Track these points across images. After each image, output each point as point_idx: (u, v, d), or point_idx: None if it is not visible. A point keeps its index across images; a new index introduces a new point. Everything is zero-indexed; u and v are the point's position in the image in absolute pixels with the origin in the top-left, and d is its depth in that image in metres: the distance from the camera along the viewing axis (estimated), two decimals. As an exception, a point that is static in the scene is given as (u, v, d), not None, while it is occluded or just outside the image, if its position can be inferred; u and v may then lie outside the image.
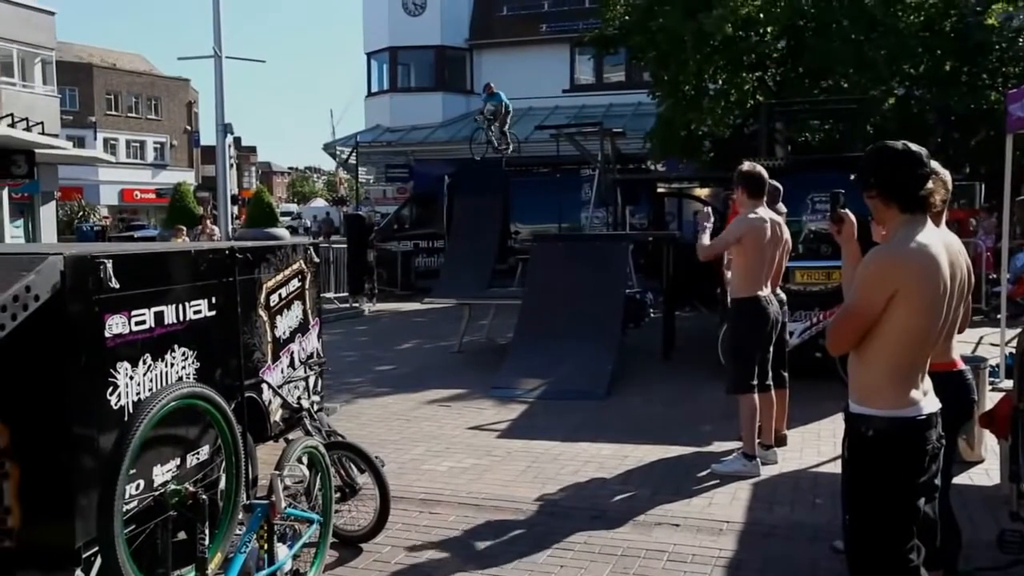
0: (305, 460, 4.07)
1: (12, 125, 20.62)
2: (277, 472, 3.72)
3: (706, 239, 5.89)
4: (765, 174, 5.78)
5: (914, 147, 2.72)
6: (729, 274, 6.32)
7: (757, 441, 5.79)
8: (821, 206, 10.65)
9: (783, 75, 15.69)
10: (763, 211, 5.73)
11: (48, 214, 25.01)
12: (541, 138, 19.92)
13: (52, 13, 28.56)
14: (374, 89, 28.80)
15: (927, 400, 2.75)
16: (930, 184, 2.71)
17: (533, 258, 11.05)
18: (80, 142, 37.47)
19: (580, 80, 27.39)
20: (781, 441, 6.24)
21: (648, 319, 11.26)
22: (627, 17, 16.58)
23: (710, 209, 6.02)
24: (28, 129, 20.98)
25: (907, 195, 2.69)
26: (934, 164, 2.78)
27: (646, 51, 16.03)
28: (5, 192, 21.45)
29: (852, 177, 2.86)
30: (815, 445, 6.42)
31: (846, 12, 14.44)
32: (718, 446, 6.45)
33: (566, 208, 17.57)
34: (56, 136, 24.13)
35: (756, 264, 5.70)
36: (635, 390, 8.63)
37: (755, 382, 5.73)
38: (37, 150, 21.60)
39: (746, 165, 5.84)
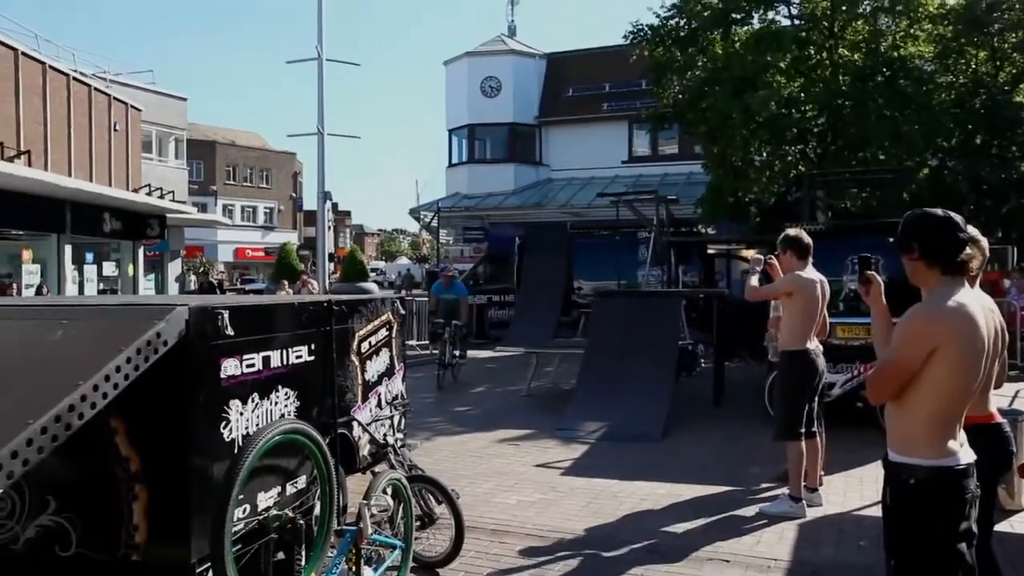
0: (390, 491, 4.08)
1: (149, 194, 21.58)
2: (365, 501, 3.73)
3: (754, 281, 5.78)
4: (809, 238, 5.70)
5: (954, 215, 2.66)
6: (775, 329, 6.20)
7: (803, 484, 5.61)
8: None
9: (823, 148, 15.50)
10: (811, 271, 5.63)
11: (175, 269, 25.92)
12: (601, 204, 19.96)
13: (184, 99, 29.93)
14: (454, 161, 29.28)
15: (964, 451, 2.64)
16: (969, 250, 2.63)
17: (595, 312, 11.01)
18: (203, 207, 38.92)
19: (637, 152, 27.43)
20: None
21: (699, 369, 11.07)
22: (680, 97, 16.64)
23: (761, 256, 5.90)
24: (161, 197, 21.94)
25: (948, 259, 2.62)
26: (972, 231, 2.70)
27: (697, 127, 16.03)
28: (141, 250, 22.37)
29: (893, 239, 2.79)
30: (858, 489, 6.18)
31: (881, 92, 14.24)
32: (766, 488, 6.26)
33: (624, 267, 17.48)
34: (184, 203, 25.13)
35: (806, 319, 5.59)
36: (688, 434, 8.45)
37: (803, 429, 5.57)
38: (168, 215, 22.57)
39: (792, 231, 5.77)
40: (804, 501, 5.56)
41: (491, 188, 26.99)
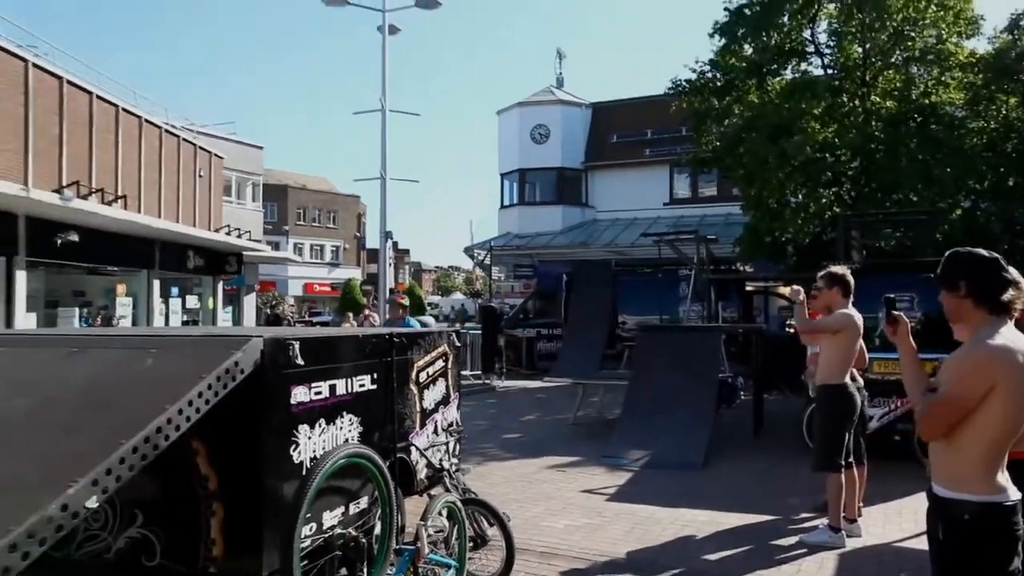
0: (445, 513, 4.07)
1: (228, 233, 22.20)
2: (422, 522, 3.72)
3: (805, 313, 5.55)
4: (851, 277, 5.58)
5: (999, 256, 2.58)
6: (814, 365, 6.04)
7: (842, 515, 5.42)
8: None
9: (857, 190, 15.21)
10: (852, 308, 5.49)
11: (250, 302, 26.49)
12: (644, 243, 19.86)
13: (260, 148, 30.82)
14: (506, 202, 29.48)
15: (1011, 487, 2.53)
16: (1012, 291, 2.54)
17: (638, 345, 10.90)
18: (276, 246, 39.79)
19: (678, 195, 27.26)
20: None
21: (739, 401, 10.85)
22: (718, 143, 16.55)
23: (800, 288, 5.71)
24: (239, 236, 22.55)
25: (995, 299, 2.53)
26: (1014, 272, 2.61)
27: (735, 170, 15.90)
28: (220, 285, 22.95)
29: (936, 276, 2.70)
30: (897, 522, 5.95)
31: (913, 137, 13.96)
32: (805, 517, 6.07)
33: (666, 302, 17.35)
34: (259, 242, 25.75)
35: (848, 354, 5.45)
36: (729, 463, 8.26)
37: (842, 461, 5.40)
38: (245, 252, 23.15)
39: (839, 269, 5.62)
40: (843, 531, 5.37)
41: (540, 228, 27.07)
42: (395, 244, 32.41)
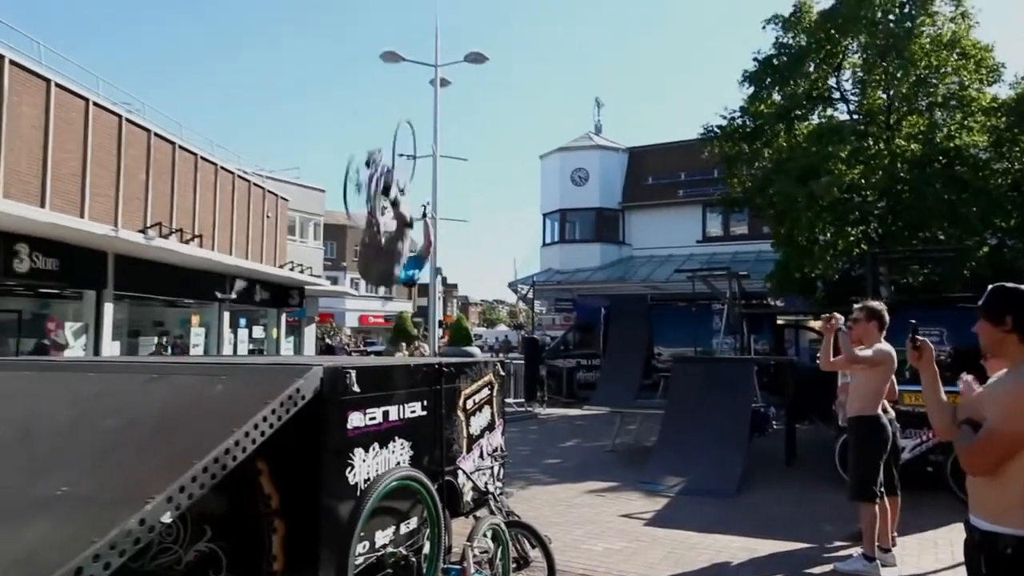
0: (490, 535, 4.02)
1: (291, 269, 22.65)
2: (469, 543, 3.69)
3: (848, 341, 5.32)
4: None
5: None
6: (845, 395, 5.87)
7: (877, 544, 5.21)
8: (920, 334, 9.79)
9: (884, 228, 14.86)
10: (886, 343, 5.34)
11: (310, 333, 26.90)
12: (678, 279, 19.65)
13: (322, 191, 31.53)
14: (547, 240, 29.56)
15: None
16: None
17: (674, 376, 10.73)
18: (335, 281, 40.46)
19: (710, 233, 27.02)
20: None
21: (771, 430, 10.55)
22: (749, 184, 16.39)
23: (841, 316, 5.50)
24: (301, 272, 22.98)
25: None
26: None
27: (765, 210, 15.71)
28: (284, 316, 23.36)
29: (978, 307, 2.57)
30: (932, 552, 5.69)
31: (938, 178, 13.63)
32: (839, 546, 5.85)
33: (700, 335, 17.09)
34: (319, 277, 26.21)
35: (882, 387, 5.28)
36: (762, 491, 8.03)
37: (877, 490, 5.20)
38: (306, 287, 23.55)
39: (878, 304, 5.47)
40: (879, 560, 5.16)
41: (580, 264, 27.04)
42: (444, 279, 32.65)
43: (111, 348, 15.46)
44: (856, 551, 5.39)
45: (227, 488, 2.71)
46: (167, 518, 2.10)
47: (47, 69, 13.79)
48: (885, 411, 5.40)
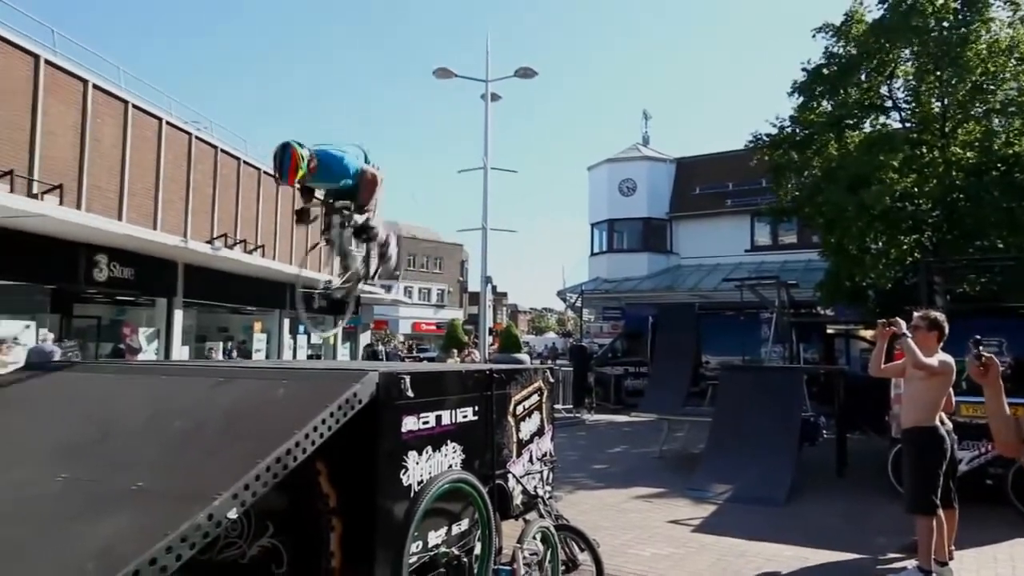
0: (539, 537, 4.01)
1: (348, 278, 23.03)
2: (519, 545, 3.68)
3: (915, 347, 5.03)
4: None
5: None
6: (899, 406, 5.66)
7: (933, 558, 5.00)
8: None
9: (939, 236, 14.31)
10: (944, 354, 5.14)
11: (365, 339, 27.32)
12: (726, 287, 19.31)
13: (376, 202, 32.10)
14: (595, 250, 29.40)
15: None
16: None
17: (722, 384, 10.53)
18: (389, 289, 40.93)
19: (759, 242, 26.47)
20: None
21: (821, 440, 10.26)
22: (798, 193, 16.00)
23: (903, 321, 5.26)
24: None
25: None
26: None
27: (815, 219, 15.29)
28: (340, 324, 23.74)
29: None
30: (992, 566, 5.44)
31: (996, 186, 13.07)
32: (893, 558, 5.64)
33: (748, 344, 16.76)
34: (374, 285, 26.63)
35: (941, 397, 5.09)
36: (813, 500, 7.80)
37: (936, 502, 4.99)
38: (362, 295, 23.91)
39: (940, 315, 5.25)
40: (935, 574, 4.95)
41: (627, 274, 26.82)
42: (494, 288, 32.66)
43: (180, 352, 15.98)
44: (911, 564, 5.19)
45: (288, 487, 2.77)
46: (233, 514, 2.17)
47: (125, 91, 14.41)
48: (942, 422, 5.20)
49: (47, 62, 12.49)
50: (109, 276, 13.63)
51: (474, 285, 41.92)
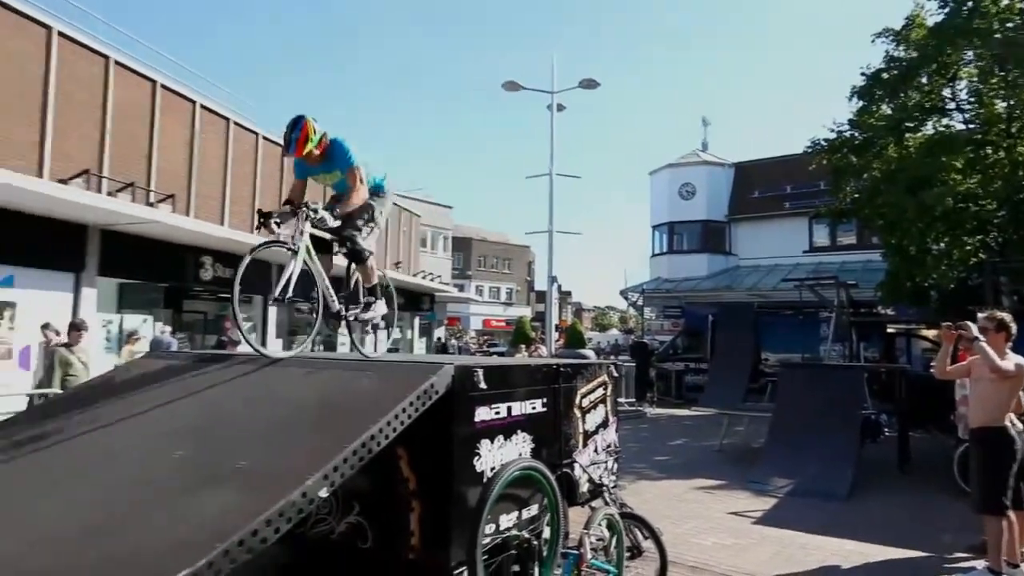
0: (605, 524, 3.95)
1: (423, 278, 23.43)
2: (586, 531, 3.63)
3: (989, 349, 4.73)
4: None
5: None
6: (965, 407, 5.32)
7: (1004, 559, 4.67)
8: None
9: (1005, 236, 13.41)
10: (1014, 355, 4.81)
11: (439, 334, 27.70)
12: (785, 287, 18.63)
13: (450, 207, 32.52)
14: (656, 251, 28.94)
15: None
16: None
17: (782, 380, 10.16)
18: (461, 288, 41.45)
19: (817, 243, 25.48)
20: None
21: (883, 437, 9.79)
22: (857, 195, 15.28)
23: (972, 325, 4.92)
24: (432, 280, 23.71)
25: None
26: None
27: (874, 221, 14.58)
28: (417, 320, 24.17)
29: None
30: (1062, 568, 5.04)
31: (1066, 185, 12.14)
32: (959, 557, 5.30)
33: (807, 342, 16.16)
34: (448, 284, 26.99)
35: (1011, 399, 4.76)
36: (875, 496, 7.43)
37: (1007, 503, 4.67)
38: (436, 293, 24.28)
39: (1007, 316, 4.91)
40: (1005, 575, 4.63)
41: (687, 274, 26.31)
42: (559, 287, 32.58)
43: (274, 345, 16.56)
44: (980, 564, 4.86)
45: (372, 470, 2.82)
46: (324, 493, 2.21)
47: (226, 109, 15.04)
48: (1012, 424, 4.86)
49: (162, 86, 13.17)
50: (213, 275, 14.25)
51: (540, 284, 41.94)
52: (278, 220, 3.58)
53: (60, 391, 6.93)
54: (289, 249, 3.58)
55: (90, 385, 4.33)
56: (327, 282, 3.92)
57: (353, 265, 4.19)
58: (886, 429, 10.05)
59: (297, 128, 3.59)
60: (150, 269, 12.88)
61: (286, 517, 2.04)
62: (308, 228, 3.61)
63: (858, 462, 8.00)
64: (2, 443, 2.96)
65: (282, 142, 3.69)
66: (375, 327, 4.46)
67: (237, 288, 3.46)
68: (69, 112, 11.58)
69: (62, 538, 2.08)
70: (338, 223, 3.79)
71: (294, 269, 3.57)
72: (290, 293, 3.62)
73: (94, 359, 8.53)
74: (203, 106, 14.21)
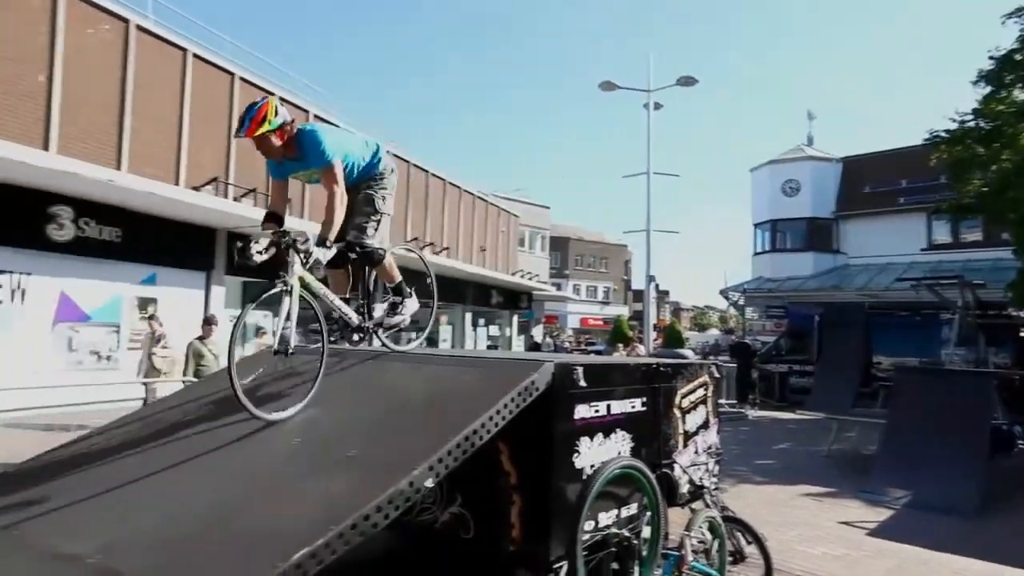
0: (706, 527, 3.81)
1: (522, 277, 23.60)
2: (687, 532, 3.52)
3: None
4: None
5: None
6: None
7: None
8: None
9: None
10: None
11: (537, 332, 27.84)
12: (899, 287, 17.32)
13: (547, 207, 32.58)
14: (758, 250, 27.74)
15: None
16: None
17: (897, 385, 9.43)
18: (559, 287, 41.47)
19: (936, 241, 23.53)
20: None
21: (1017, 450, 8.88)
22: (985, 189, 13.96)
23: None
24: (530, 279, 23.85)
25: None
26: None
27: (1004, 216, 13.26)
28: (515, 317, 24.39)
29: None
30: None
31: None
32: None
33: (925, 345, 14.97)
34: (545, 283, 27.07)
35: None
36: (1007, 514, 6.75)
37: None
38: (534, 292, 24.40)
39: None
40: None
41: (791, 273, 25.02)
42: (657, 286, 31.94)
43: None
44: None
45: (475, 463, 2.84)
46: (429, 483, 2.26)
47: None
48: None
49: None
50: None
51: (637, 283, 41.31)
52: (260, 250, 3.02)
53: (195, 379, 7.49)
54: (282, 289, 3.02)
55: (217, 375, 4.66)
56: (335, 299, 3.40)
57: (367, 268, 3.66)
58: (1021, 442, 9.12)
59: (254, 107, 3.10)
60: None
61: (394, 504, 2.11)
62: (299, 266, 3.06)
63: (987, 476, 7.30)
64: (142, 428, 3.22)
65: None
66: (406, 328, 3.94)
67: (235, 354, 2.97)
68: (200, 126, 12.52)
69: (196, 515, 2.24)
70: (334, 250, 3.17)
71: (290, 310, 3.00)
72: (293, 344, 3.00)
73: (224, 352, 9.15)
74: (316, 116, 14.96)
